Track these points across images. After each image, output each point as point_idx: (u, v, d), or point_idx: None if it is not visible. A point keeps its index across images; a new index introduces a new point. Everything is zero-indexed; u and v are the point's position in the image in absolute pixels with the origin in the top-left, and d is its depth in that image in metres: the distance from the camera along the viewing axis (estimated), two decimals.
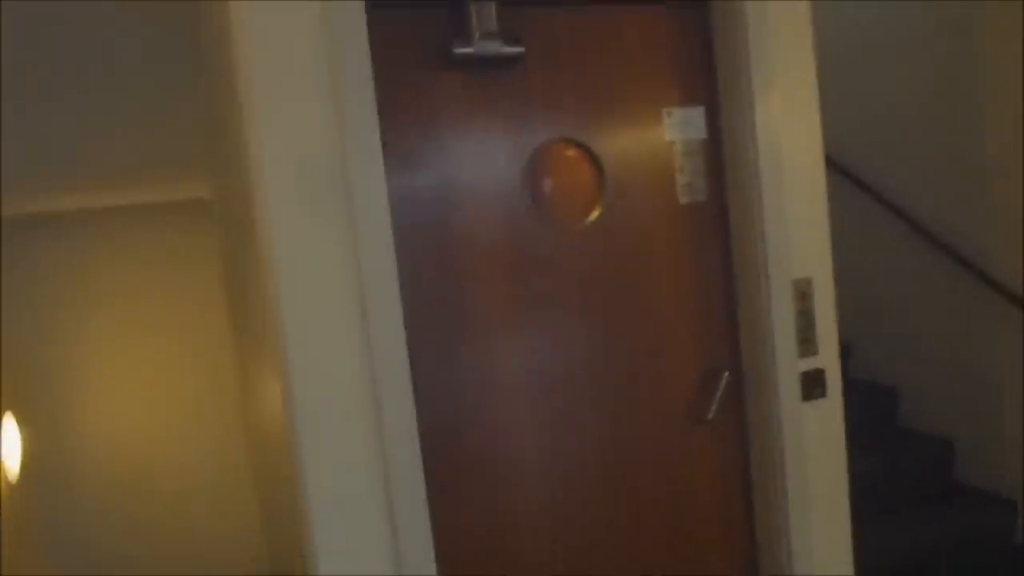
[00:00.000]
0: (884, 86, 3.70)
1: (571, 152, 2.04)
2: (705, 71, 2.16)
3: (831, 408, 2.25)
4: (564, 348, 2.05)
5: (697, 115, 2.14)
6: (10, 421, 3.99)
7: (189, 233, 4.60)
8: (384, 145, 1.76)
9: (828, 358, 2.23)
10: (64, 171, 3.48)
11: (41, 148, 3.36)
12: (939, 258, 3.45)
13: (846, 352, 3.90)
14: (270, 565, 3.30)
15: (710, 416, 2.16)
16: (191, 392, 4.77)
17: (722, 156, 2.17)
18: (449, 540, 1.92)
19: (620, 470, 2.11)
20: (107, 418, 4.71)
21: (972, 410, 3.45)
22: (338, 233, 1.72)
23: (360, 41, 1.71)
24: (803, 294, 2.17)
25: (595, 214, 2.06)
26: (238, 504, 4.54)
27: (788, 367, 2.15)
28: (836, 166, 3.81)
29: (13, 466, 3.96)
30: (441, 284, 1.91)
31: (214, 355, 4.57)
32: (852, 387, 3.79)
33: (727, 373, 2.17)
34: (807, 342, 2.19)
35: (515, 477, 2.00)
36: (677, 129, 2.12)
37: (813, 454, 2.21)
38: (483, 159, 1.94)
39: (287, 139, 1.69)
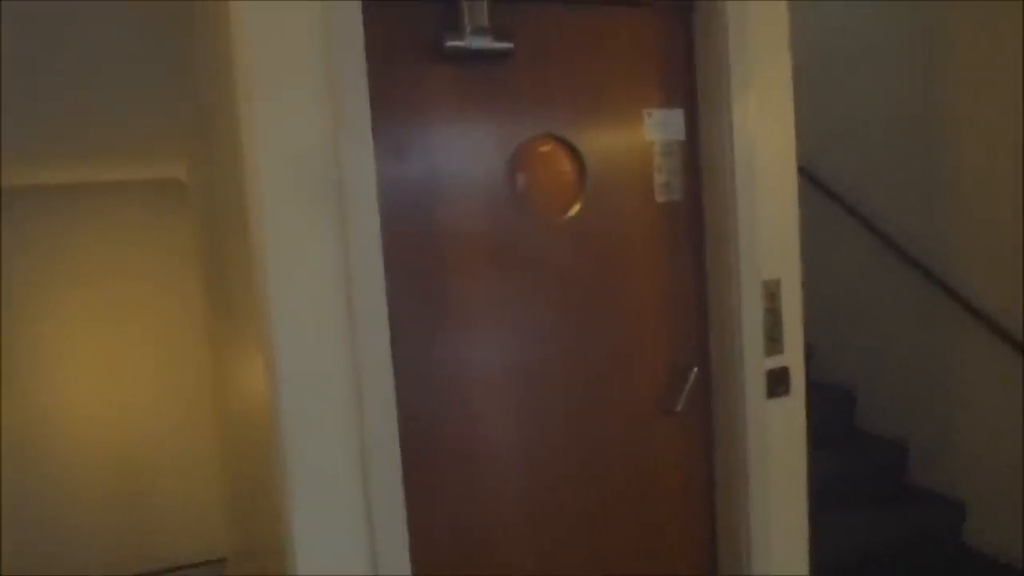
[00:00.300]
0: (857, 99, 3.81)
1: (555, 147, 2.10)
2: (686, 74, 2.22)
3: (794, 406, 2.33)
4: (540, 339, 2.10)
5: (676, 116, 2.20)
6: None
7: (163, 212, 4.58)
8: (375, 138, 1.80)
9: (793, 357, 2.31)
10: (40, 145, 3.47)
11: (16, 122, 3.34)
12: (900, 266, 3.56)
13: (808, 354, 3.98)
14: (232, 541, 3.32)
15: (678, 408, 2.22)
16: (160, 370, 4.76)
17: (699, 157, 2.23)
18: (422, 522, 1.96)
19: (590, 459, 2.17)
20: (75, 393, 4.68)
21: (926, 414, 3.56)
22: (327, 221, 1.76)
23: (355, 33, 1.75)
24: (772, 294, 2.25)
25: (575, 209, 2.12)
26: (202, 483, 4.55)
27: (755, 364, 2.23)
28: (806, 173, 3.90)
29: None
30: (424, 272, 1.96)
31: (184, 333, 4.57)
32: (812, 388, 3.91)
33: (696, 368, 2.24)
34: (774, 341, 2.26)
35: (489, 465, 2.05)
36: (657, 130, 2.18)
37: (776, 450, 2.29)
38: (470, 151, 1.99)
39: (280, 128, 1.73)
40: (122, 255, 4.66)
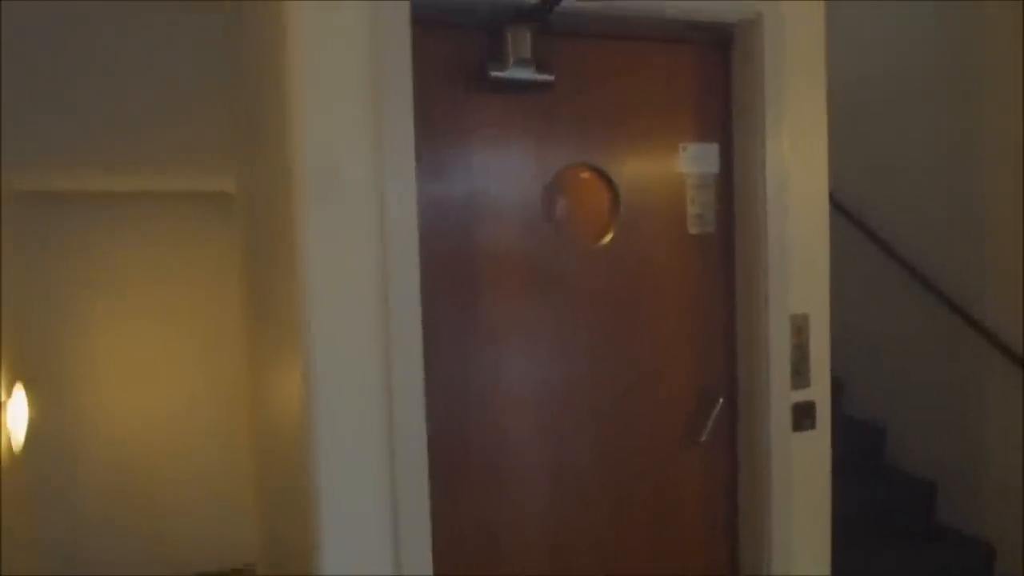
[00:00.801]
0: (890, 134, 3.83)
1: (590, 176, 2.15)
2: (722, 109, 2.26)
3: (819, 440, 2.35)
4: (570, 362, 2.15)
5: (711, 151, 2.25)
6: (20, 392, 4.08)
7: (210, 225, 4.70)
8: (418, 159, 1.86)
9: (820, 392, 2.33)
10: (94, 152, 3.59)
11: (72, 128, 3.47)
12: (934, 303, 3.55)
13: (838, 388, 3.98)
14: (261, 552, 3.38)
15: (703, 439, 2.25)
16: (198, 379, 4.87)
17: (732, 191, 2.27)
18: (447, 531, 2.01)
19: (614, 482, 2.21)
20: (113, 398, 4.80)
21: (955, 452, 3.54)
22: (367, 237, 1.83)
23: (403, 57, 1.83)
24: (799, 329, 2.27)
25: (608, 237, 2.17)
26: (234, 491, 4.63)
27: (781, 397, 2.25)
28: (841, 209, 3.92)
29: (19, 437, 4.05)
30: (460, 291, 2.02)
31: (223, 344, 4.67)
32: (842, 423, 3.91)
33: (722, 398, 2.27)
34: (800, 375, 2.29)
35: (514, 482, 2.10)
36: (691, 163, 2.23)
37: (800, 484, 2.30)
38: (508, 176, 2.05)
39: (326, 145, 1.80)
40: (168, 263, 4.79)
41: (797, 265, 2.26)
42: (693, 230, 2.25)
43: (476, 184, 2.02)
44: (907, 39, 3.76)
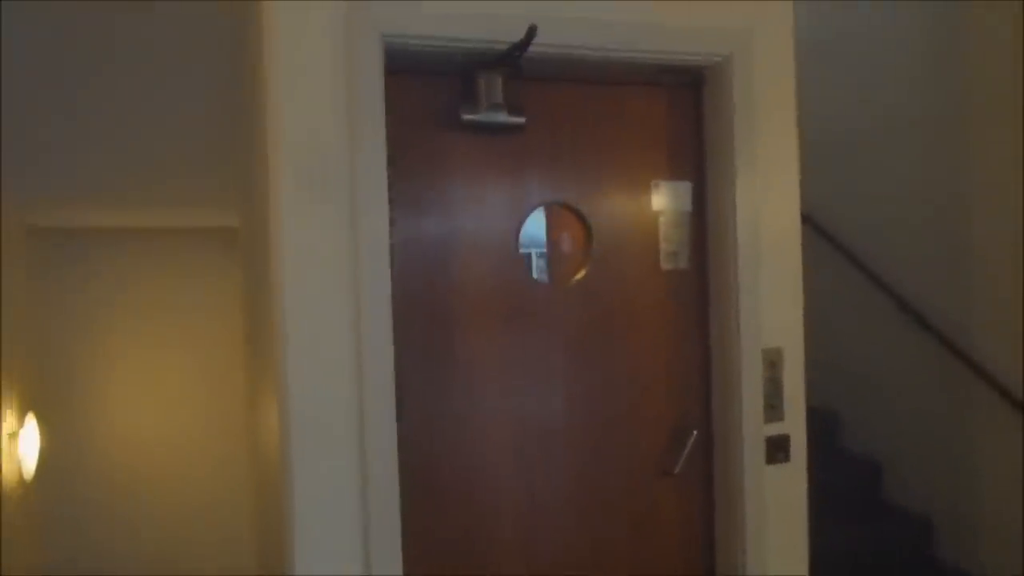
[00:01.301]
0: (882, 171, 3.88)
1: (563, 214, 2.22)
2: (695, 148, 2.33)
3: (795, 474, 2.37)
4: (544, 396, 2.21)
5: (684, 189, 2.31)
6: (32, 421, 4.20)
7: (217, 258, 4.83)
8: (391, 200, 1.95)
9: (794, 425, 2.37)
10: (106, 191, 3.72)
11: (86, 167, 3.59)
12: (926, 338, 3.58)
13: (835, 422, 4.01)
14: (259, 569, 3.45)
15: (677, 470, 2.30)
16: (202, 407, 4.97)
17: (705, 228, 2.33)
18: (420, 559, 2.06)
19: (589, 513, 2.25)
20: (122, 426, 4.92)
21: (950, 488, 3.55)
22: (341, 273, 1.91)
23: (377, 105, 1.92)
24: (772, 363, 2.32)
25: (581, 273, 2.23)
26: (237, 513, 4.71)
27: (754, 430, 2.29)
28: (836, 244, 3.97)
29: (30, 463, 4.16)
30: (433, 326, 2.09)
31: (227, 373, 4.77)
32: (838, 458, 3.93)
33: (695, 431, 2.31)
34: (774, 408, 2.32)
35: (487, 513, 2.16)
36: (664, 200, 2.30)
37: (775, 515, 2.33)
38: (481, 216, 2.13)
39: (306, 186, 1.89)
40: (176, 296, 4.92)
41: (770, 300, 2.31)
42: (667, 266, 2.31)
43: (450, 222, 2.10)
44: (898, 71, 3.82)
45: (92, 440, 4.86)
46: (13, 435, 4.02)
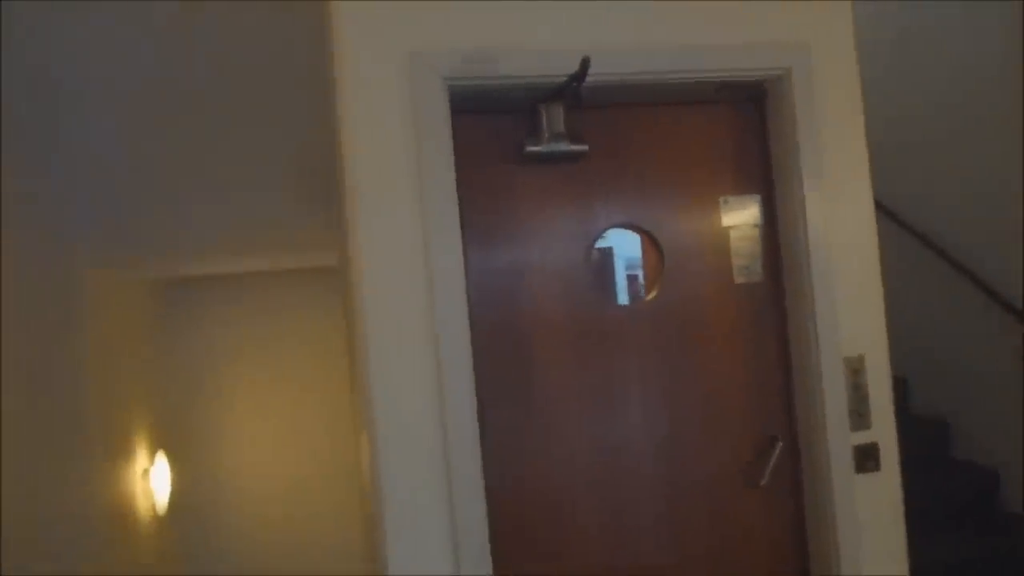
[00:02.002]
0: (952, 152, 3.87)
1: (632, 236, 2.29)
2: (760, 162, 2.36)
3: (887, 481, 2.34)
4: (623, 415, 2.26)
5: (752, 203, 2.34)
6: (162, 458, 4.49)
7: (321, 297, 5.07)
8: (463, 235, 2.05)
9: (883, 432, 2.34)
10: (219, 240, 3.98)
11: (200, 220, 3.85)
12: (987, 303, 3.62)
13: (902, 387, 3.98)
14: None
15: (764, 483, 2.30)
16: (315, 438, 5.20)
17: (777, 239, 2.35)
18: None
19: (677, 533, 2.28)
20: (241, 459, 5.19)
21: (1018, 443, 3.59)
22: (420, 305, 2.03)
23: (445, 143, 2.03)
24: (855, 371, 2.31)
25: (654, 293, 2.28)
26: (352, 542, 4.88)
27: (840, 440, 2.28)
28: (896, 219, 4.03)
29: (162, 500, 4.44)
30: (510, 355, 2.18)
31: (337, 405, 4.98)
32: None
33: (780, 442, 2.32)
34: (860, 416, 2.31)
35: (575, 539, 2.21)
36: (733, 215, 2.33)
37: (869, 526, 2.31)
38: (552, 242, 2.21)
39: (378, 225, 2.02)
40: (289, 334, 5.18)
41: (848, 308, 2.30)
42: (740, 280, 2.34)
43: (521, 251, 2.19)
44: (981, 56, 3.75)
45: (216, 474, 5.15)
46: (145, 472, 4.32)
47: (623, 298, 2.34)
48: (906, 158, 4.07)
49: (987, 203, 3.75)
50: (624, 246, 2.34)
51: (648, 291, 2.29)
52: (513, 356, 2.18)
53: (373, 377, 2.01)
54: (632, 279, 2.37)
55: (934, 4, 3.96)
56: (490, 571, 2.02)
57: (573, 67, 2.02)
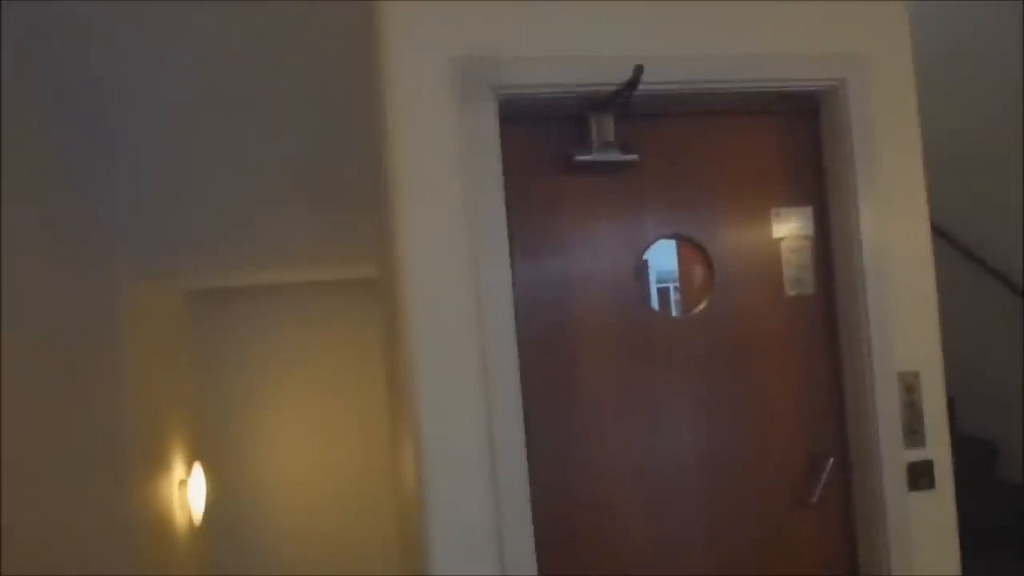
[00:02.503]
0: (1008, 166, 3.81)
1: (683, 247, 2.25)
2: (814, 172, 2.32)
3: (942, 499, 2.29)
4: (672, 430, 2.22)
5: (805, 214, 2.30)
6: (199, 470, 4.49)
7: (358, 308, 5.06)
8: (511, 243, 2.03)
9: (938, 450, 2.29)
10: (255, 251, 3.98)
11: (237, 232, 3.86)
12: None
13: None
14: None
15: (814, 500, 2.25)
16: (350, 450, 5.19)
17: (829, 252, 2.31)
18: None
19: (724, 548, 2.24)
20: (277, 470, 5.18)
21: None
22: (467, 315, 2.00)
23: (493, 152, 2.01)
24: (910, 387, 2.25)
25: (704, 304, 2.25)
26: (387, 552, 4.86)
27: (894, 456, 2.22)
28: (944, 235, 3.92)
29: (198, 510, 4.44)
30: (558, 365, 2.15)
31: (371, 417, 4.97)
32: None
33: (832, 459, 2.27)
34: (914, 433, 2.26)
35: (619, 550, 2.17)
36: (785, 227, 2.29)
37: (922, 545, 2.25)
38: (599, 252, 2.18)
39: (428, 233, 2.00)
40: (324, 345, 5.19)
41: (903, 323, 2.25)
42: (791, 292, 2.30)
43: (569, 261, 2.16)
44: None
45: (252, 485, 5.15)
46: (182, 483, 4.32)
47: (672, 310, 2.29)
48: (957, 175, 3.99)
49: None
50: (659, 258, 2.30)
51: (697, 303, 2.25)
52: (560, 368, 2.15)
53: (420, 388, 1.98)
54: (663, 292, 2.32)
55: (983, 19, 3.91)
56: None
57: (624, 75, 2.00)
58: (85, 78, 3.09)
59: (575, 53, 2.08)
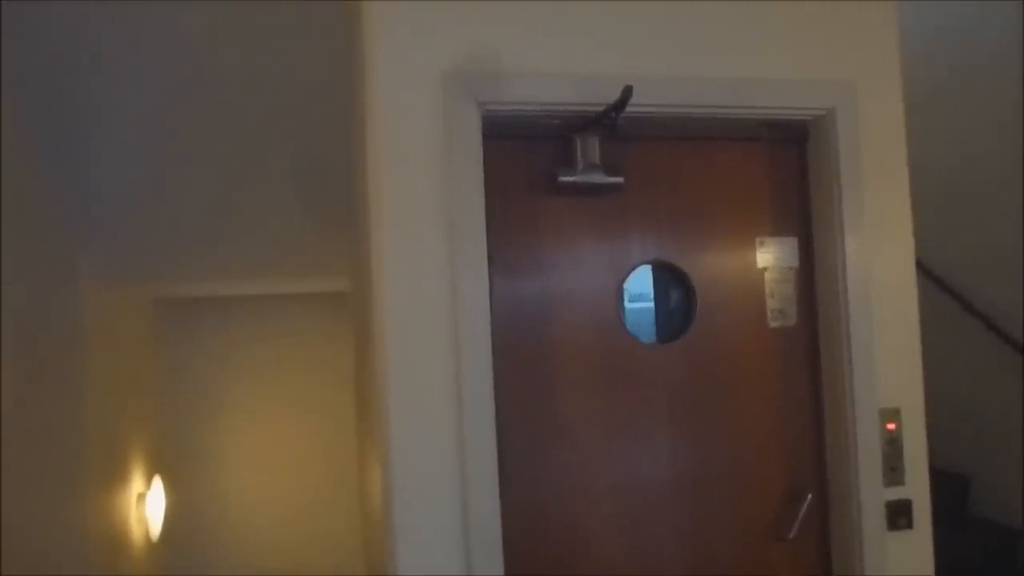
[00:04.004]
0: (984, 206, 3.80)
1: (665, 274, 2.20)
2: (800, 203, 2.28)
3: (919, 540, 2.25)
4: (649, 457, 2.16)
5: (790, 244, 2.26)
6: (159, 483, 4.37)
7: (329, 323, 4.98)
8: (490, 260, 1.97)
9: (917, 489, 2.25)
10: (225, 262, 3.90)
11: (206, 242, 3.78)
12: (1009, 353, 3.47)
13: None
14: None
15: (791, 535, 2.20)
16: (317, 466, 5.09)
17: (813, 284, 2.27)
18: None
19: None
20: (240, 485, 5.07)
21: None
22: (442, 335, 1.94)
23: (475, 169, 1.96)
24: (891, 423, 2.21)
25: (684, 332, 2.19)
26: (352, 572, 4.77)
27: (873, 495, 2.18)
28: (931, 276, 3.93)
29: (156, 525, 4.32)
30: (534, 387, 2.09)
31: (340, 433, 4.89)
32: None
33: (810, 494, 2.22)
34: (894, 471, 2.21)
35: None
36: (770, 257, 2.25)
37: None
38: (581, 275, 2.13)
39: (405, 250, 1.94)
40: (293, 359, 5.10)
41: (886, 359, 2.21)
42: (774, 324, 2.25)
43: (550, 284, 2.11)
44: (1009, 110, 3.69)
45: (214, 500, 5.03)
46: (141, 496, 4.20)
47: (651, 336, 2.24)
48: (936, 211, 3.98)
49: (1009, 255, 3.67)
50: (641, 283, 2.25)
51: (679, 331, 2.20)
52: (536, 389, 2.09)
53: (391, 405, 1.91)
54: (634, 313, 2.27)
55: (964, 55, 3.92)
56: None
57: (612, 95, 1.95)
58: (57, 80, 3.01)
59: (564, 70, 2.03)
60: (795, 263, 2.27)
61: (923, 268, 3.89)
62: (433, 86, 1.96)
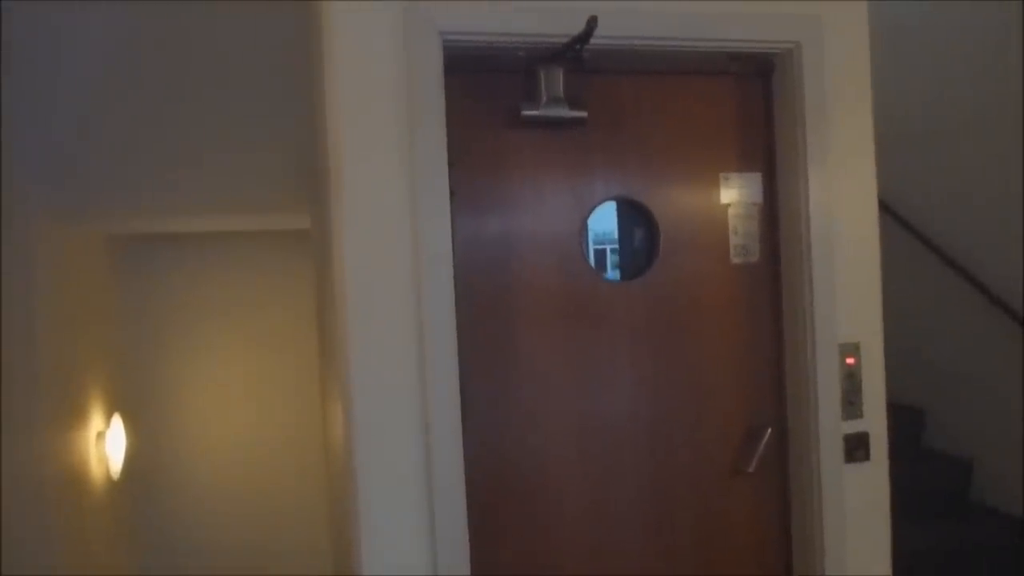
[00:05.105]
0: (970, 165, 3.74)
1: (627, 209, 2.19)
2: (765, 138, 2.27)
3: (875, 472, 2.29)
4: (611, 395, 2.17)
5: (754, 180, 2.25)
6: (118, 422, 4.33)
7: (290, 260, 4.92)
8: (452, 195, 1.94)
9: (875, 422, 2.28)
10: (183, 198, 3.81)
11: (164, 177, 3.69)
12: (1016, 332, 3.43)
13: (920, 419, 3.88)
14: (336, 573, 3.49)
15: (751, 469, 2.23)
16: (279, 405, 5.08)
17: (776, 220, 2.27)
18: (487, 565, 2.05)
19: (660, 516, 2.21)
20: (202, 424, 5.05)
21: None
22: (403, 271, 1.91)
23: (437, 103, 1.91)
24: (850, 358, 2.24)
25: (647, 269, 2.19)
26: (315, 513, 4.79)
27: (831, 428, 2.21)
28: (927, 241, 3.87)
29: (116, 464, 4.29)
30: (497, 324, 2.07)
31: (303, 371, 4.86)
32: (925, 456, 3.81)
33: (770, 428, 2.25)
34: (852, 405, 2.25)
35: (555, 514, 2.13)
36: (733, 192, 2.24)
37: (855, 516, 2.25)
38: (544, 212, 2.10)
39: (366, 185, 1.90)
40: (254, 297, 5.05)
41: (846, 294, 2.23)
42: (736, 260, 2.25)
43: (513, 220, 2.08)
44: (990, 56, 3.67)
45: (175, 439, 5.01)
46: (100, 435, 4.16)
47: (616, 273, 2.23)
48: (904, 151, 3.96)
49: (990, 204, 3.64)
50: (604, 219, 2.23)
51: (642, 268, 2.20)
52: (499, 327, 2.08)
53: (352, 344, 1.89)
54: (606, 254, 2.27)
55: None
56: (467, 548, 1.94)
57: (577, 27, 1.91)
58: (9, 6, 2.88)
59: (526, 2, 1.97)
60: (759, 199, 2.26)
61: (885, 207, 3.91)
62: (393, 16, 1.90)
